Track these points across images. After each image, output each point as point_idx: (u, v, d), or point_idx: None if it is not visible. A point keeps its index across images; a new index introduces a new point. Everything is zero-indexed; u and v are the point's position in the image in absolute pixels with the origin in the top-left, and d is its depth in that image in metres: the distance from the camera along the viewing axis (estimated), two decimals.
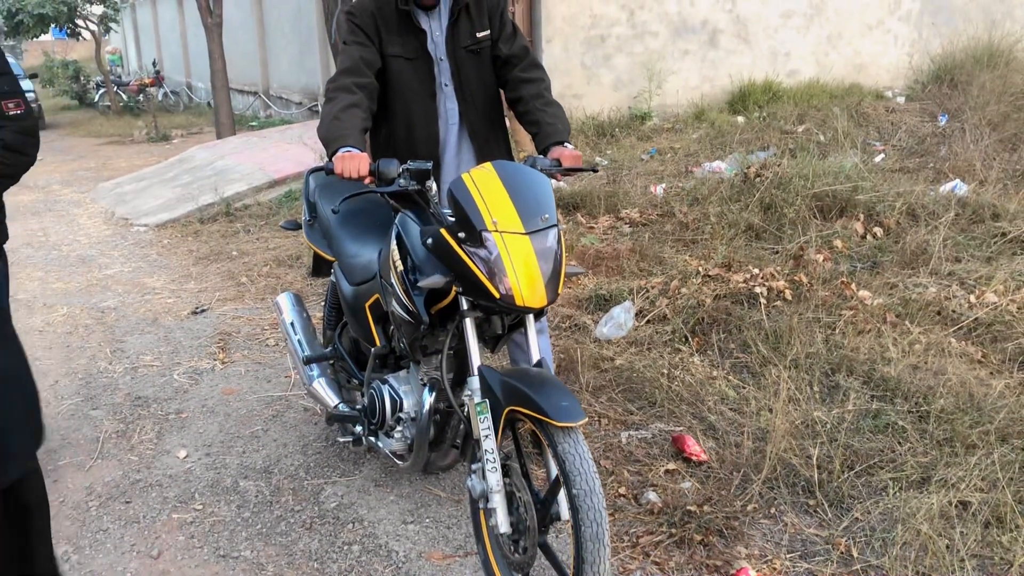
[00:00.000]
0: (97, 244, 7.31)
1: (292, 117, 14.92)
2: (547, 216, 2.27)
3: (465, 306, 2.38)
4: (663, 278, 4.86)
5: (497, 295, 2.21)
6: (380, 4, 2.95)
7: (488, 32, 3.04)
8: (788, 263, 4.94)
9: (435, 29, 3.00)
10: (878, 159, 7.71)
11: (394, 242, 2.55)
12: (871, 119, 9.53)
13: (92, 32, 20.02)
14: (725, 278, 4.70)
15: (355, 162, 2.52)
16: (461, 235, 2.26)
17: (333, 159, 2.55)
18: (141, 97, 19.60)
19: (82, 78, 22.84)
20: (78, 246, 7.24)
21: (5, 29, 18.58)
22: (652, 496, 3.02)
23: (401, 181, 2.46)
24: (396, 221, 2.59)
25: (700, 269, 4.81)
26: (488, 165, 2.37)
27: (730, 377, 3.85)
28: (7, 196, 2.84)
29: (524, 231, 2.22)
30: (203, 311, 5.37)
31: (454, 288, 2.35)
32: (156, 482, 3.36)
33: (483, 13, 3.02)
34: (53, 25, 19.20)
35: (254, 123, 15.29)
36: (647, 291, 4.72)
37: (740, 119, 9.95)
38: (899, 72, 11.83)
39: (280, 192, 8.53)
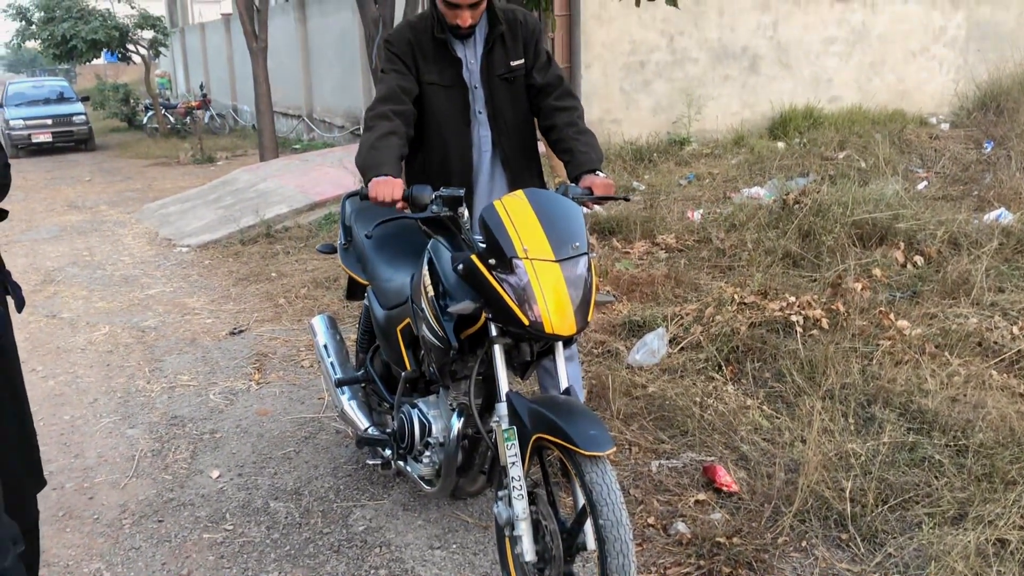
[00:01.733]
0: (140, 264, 7.45)
1: (335, 140, 15.13)
2: (578, 244, 2.28)
3: (494, 332, 2.39)
4: (698, 305, 4.82)
5: (526, 322, 2.22)
6: (417, 33, 2.99)
7: (523, 61, 3.06)
8: (825, 291, 4.88)
9: (470, 57, 3.03)
10: (921, 186, 7.61)
11: (425, 267, 2.57)
12: (914, 146, 9.41)
13: (142, 56, 20.50)
14: (761, 306, 4.65)
15: (388, 188, 2.56)
16: (492, 262, 2.27)
17: (368, 185, 2.60)
18: (188, 119, 19.98)
19: (131, 101, 23.38)
20: (122, 266, 7.39)
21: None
22: (681, 527, 2.99)
23: (434, 207, 2.49)
24: (428, 247, 2.62)
25: (736, 296, 4.77)
26: (520, 193, 2.39)
27: (764, 407, 3.80)
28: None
29: (554, 259, 2.23)
30: (241, 332, 5.45)
31: (484, 314, 2.36)
32: (188, 501, 3.40)
33: (518, 41, 3.05)
34: (105, 49, 19.70)
35: (297, 146, 15.53)
36: (681, 318, 4.69)
37: (780, 145, 9.89)
38: (944, 98, 11.69)
39: (320, 214, 8.64)
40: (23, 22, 21.10)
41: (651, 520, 3.06)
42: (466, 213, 2.50)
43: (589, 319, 2.30)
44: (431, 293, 2.51)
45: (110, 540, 3.16)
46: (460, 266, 2.38)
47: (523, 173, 3.15)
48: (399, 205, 2.58)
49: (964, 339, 4.20)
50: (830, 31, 11.06)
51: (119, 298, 6.38)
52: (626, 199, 2.84)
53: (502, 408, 2.37)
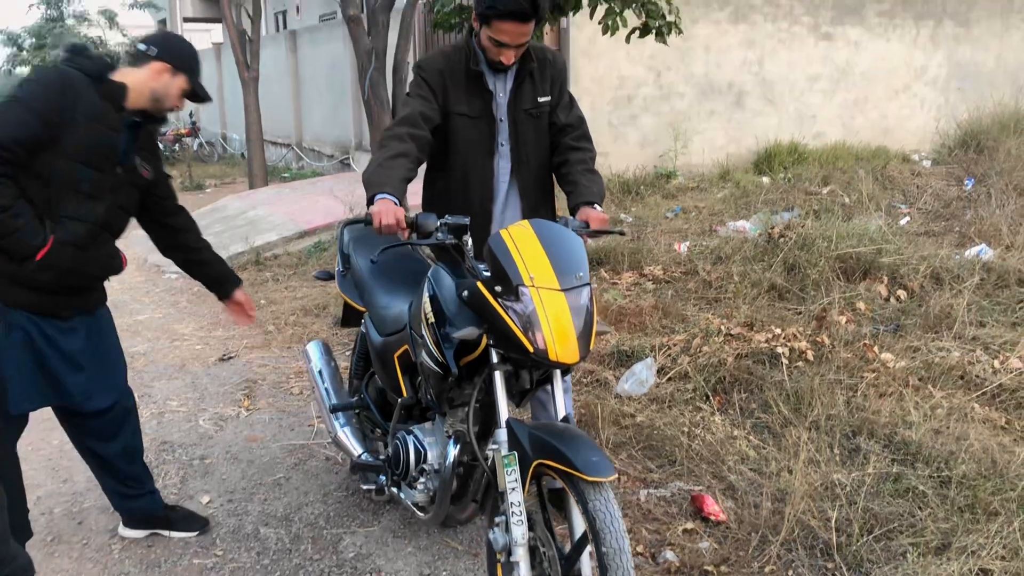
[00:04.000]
0: (129, 290, 7.45)
1: (324, 169, 15.19)
2: (581, 274, 2.33)
3: (495, 359, 2.42)
4: (685, 336, 4.88)
5: (531, 349, 2.25)
6: (451, 62, 3.02)
7: (549, 98, 3.12)
8: (811, 324, 4.95)
9: (500, 90, 3.07)
10: (903, 222, 7.73)
11: (426, 294, 2.60)
12: (897, 182, 9.56)
13: None
14: (747, 337, 4.71)
15: (391, 217, 2.56)
16: (497, 289, 2.31)
17: (371, 212, 2.60)
18: (177, 147, 20.03)
19: None
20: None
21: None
22: (670, 555, 3.02)
23: (439, 235, 2.53)
24: (429, 273, 2.65)
25: (722, 328, 4.83)
26: (526, 223, 2.44)
27: (751, 437, 3.85)
28: None
29: (560, 288, 2.28)
30: (230, 358, 5.46)
31: (484, 341, 2.40)
32: None
33: (546, 79, 3.11)
34: None
35: (286, 174, 15.58)
36: (669, 348, 4.75)
37: (765, 179, 10.03)
38: (925, 136, 11.89)
39: (309, 242, 8.67)
40: (14, 48, 21.17)
41: (640, 548, 3.09)
42: (470, 241, 2.55)
43: (591, 348, 2.34)
44: (432, 320, 2.55)
45: (99, 565, 3.15)
46: (465, 293, 2.41)
47: (539, 206, 3.19)
48: (404, 234, 2.60)
49: (947, 372, 4.27)
50: (815, 68, 11.26)
51: None
52: (621, 233, 2.90)
53: (502, 434, 2.39)
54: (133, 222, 3.09)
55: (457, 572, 3.03)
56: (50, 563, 3.17)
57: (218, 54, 22.14)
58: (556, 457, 2.19)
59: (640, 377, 4.45)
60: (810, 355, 4.47)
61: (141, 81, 2.83)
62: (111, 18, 20.09)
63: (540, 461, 2.24)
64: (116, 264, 3.02)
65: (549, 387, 2.50)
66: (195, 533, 3.31)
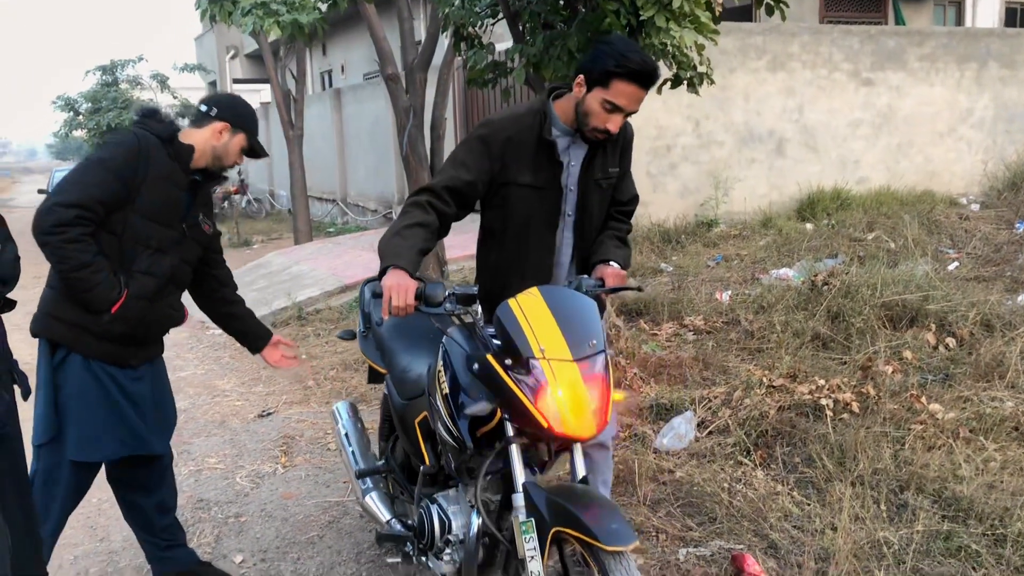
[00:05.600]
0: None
1: (368, 224, 15.41)
2: (595, 342, 2.27)
3: (511, 432, 2.35)
4: (726, 388, 4.78)
5: (545, 424, 2.19)
6: (521, 130, 2.79)
7: (617, 169, 2.96)
8: (856, 374, 4.82)
9: (573, 159, 2.86)
10: (952, 267, 7.56)
11: (440, 363, 2.54)
12: (943, 226, 9.37)
13: None
14: (790, 389, 4.60)
15: (402, 294, 2.43)
16: (508, 362, 2.25)
17: (383, 284, 2.48)
18: (226, 204, 20.49)
19: None
20: None
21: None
22: None
23: (447, 305, 2.44)
24: (443, 342, 2.59)
25: (764, 379, 4.73)
26: (535, 290, 2.38)
27: (794, 493, 3.73)
28: None
29: (572, 359, 2.22)
30: (269, 414, 5.48)
31: (500, 413, 2.33)
32: None
33: (617, 148, 2.94)
34: None
35: (331, 229, 15.82)
36: (709, 401, 4.65)
37: (808, 226, 9.90)
38: (973, 179, 11.68)
39: (351, 297, 8.74)
40: (71, 112, 21.93)
41: None
42: (480, 311, 2.47)
43: (607, 419, 2.26)
44: (446, 391, 2.49)
45: None
46: (476, 366, 2.35)
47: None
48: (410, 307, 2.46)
49: (1000, 423, 4.12)
50: (856, 114, 11.16)
51: None
52: (639, 289, 2.83)
53: (519, 499, 2.31)
54: None
55: None
56: None
57: (266, 113, 22.72)
58: (574, 525, 2.11)
59: (679, 431, 4.36)
60: (855, 407, 4.35)
61: (204, 140, 3.00)
62: (162, 82, 20.75)
63: (559, 528, 2.16)
64: (179, 316, 3.15)
65: (570, 451, 2.42)
66: None
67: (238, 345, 7.55)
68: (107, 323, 2.82)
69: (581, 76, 2.70)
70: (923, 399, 4.37)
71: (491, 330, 2.42)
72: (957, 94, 11.66)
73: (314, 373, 6.30)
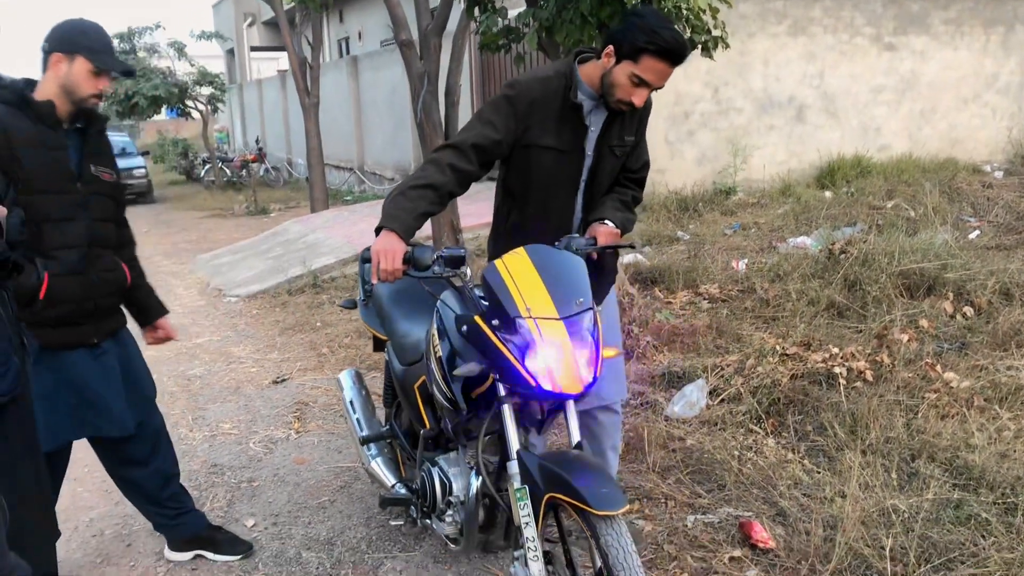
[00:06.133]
0: (190, 314, 7.61)
1: (384, 192, 15.38)
2: (582, 300, 2.26)
3: (503, 392, 2.34)
4: (739, 356, 4.76)
5: (533, 383, 2.20)
6: (547, 92, 2.75)
7: (633, 138, 2.93)
8: (870, 343, 4.78)
9: (594, 124, 2.82)
10: (972, 235, 7.46)
11: (434, 327, 2.55)
12: (965, 194, 9.24)
13: (200, 112, 21.17)
14: (804, 357, 4.58)
15: (390, 259, 2.40)
16: (495, 322, 2.25)
17: (372, 249, 2.45)
18: (244, 172, 20.54)
19: (190, 155, 24.14)
20: (172, 315, 7.45)
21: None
22: None
23: (435, 268, 2.42)
24: (436, 306, 2.60)
25: (778, 347, 4.70)
26: (521, 250, 2.37)
27: (804, 461, 3.71)
28: None
29: (558, 316, 2.21)
30: (283, 381, 5.51)
31: (491, 374, 2.34)
32: None
33: (635, 118, 2.89)
34: (166, 105, 20.40)
35: (348, 198, 15.82)
36: (722, 369, 4.63)
37: (827, 194, 9.80)
38: (997, 146, 11.50)
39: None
40: None
41: None
42: (468, 272, 2.45)
43: (598, 374, 2.26)
44: (440, 354, 2.49)
45: None
46: (464, 328, 2.35)
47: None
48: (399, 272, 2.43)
49: (1015, 392, 4.08)
50: (878, 80, 10.98)
51: (168, 347, 6.46)
52: (631, 247, 2.79)
53: (513, 467, 2.31)
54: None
55: None
56: None
57: (283, 81, 22.68)
58: (566, 490, 2.10)
59: (691, 399, 4.35)
60: (869, 375, 4.32)
61: (50, 82, 2.70)
62: (180, 49, 20.71)
63: (552, 494, 2.16)
64: (119, 277, 3.00)
65: (564, 414, 2.42)
66: (238, 557, 3.32)
67: (254, 312, 7.58)
68: (42, 310, 2.66)
69: (611, 47, 2.65)
70: (938, 368, 4.34)
71: (481, 292, 2.42)
72: (983, 59, 11.44)
73: (328, 341, 6.32)
